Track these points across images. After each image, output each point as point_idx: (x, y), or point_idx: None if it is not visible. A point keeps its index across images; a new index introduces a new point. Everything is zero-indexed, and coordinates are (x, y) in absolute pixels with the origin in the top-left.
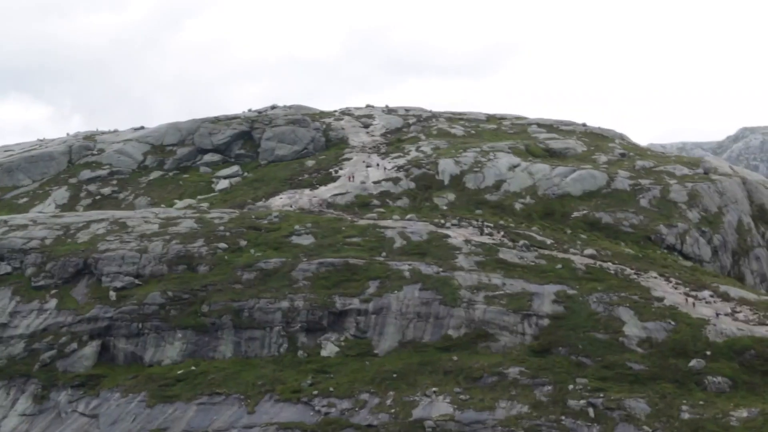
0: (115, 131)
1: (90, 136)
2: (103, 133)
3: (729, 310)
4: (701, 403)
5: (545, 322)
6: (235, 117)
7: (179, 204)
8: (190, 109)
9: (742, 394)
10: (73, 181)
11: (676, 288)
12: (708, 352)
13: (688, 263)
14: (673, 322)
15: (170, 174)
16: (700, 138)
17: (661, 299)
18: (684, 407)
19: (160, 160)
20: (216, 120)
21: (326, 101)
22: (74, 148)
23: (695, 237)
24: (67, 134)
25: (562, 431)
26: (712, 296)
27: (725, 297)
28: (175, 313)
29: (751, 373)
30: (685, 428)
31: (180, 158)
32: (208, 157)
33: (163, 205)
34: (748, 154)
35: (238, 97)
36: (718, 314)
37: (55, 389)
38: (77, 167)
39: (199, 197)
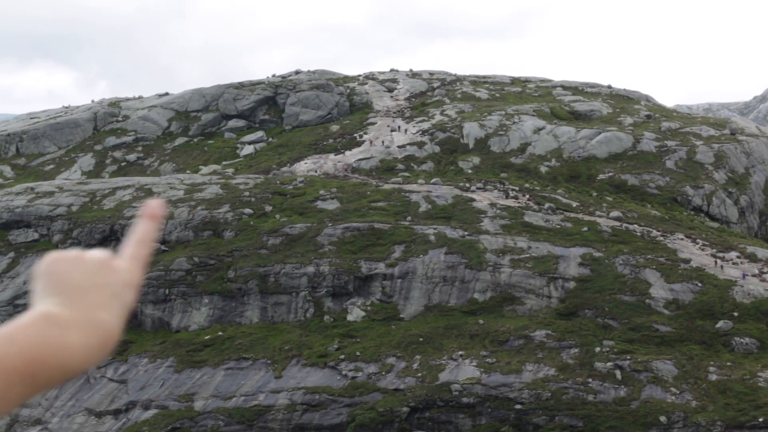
0: (140, 98)
1: (115, 103)
2: (127, 99)
3: (756, 271)
4: (728, 364)
5: (571, 284)
6: (259, 83)
7: (204, 170)
8: (215, 76)
9: None
10: (98, 147)
11: (702, 249)
12: (735, 314)
13: (715, 224)
14: (699, 284)
15: (195, 140)
16: (727, 99)
17: (687, 261)
18: (711, 368)
19: (185, 126)
20: (240, 86)
21: (351, 67)
22: (99, 114)
23: (722, 198)
24: (92, 101)
25: (589, 393)
26: (739, 257)
27: (752, 258)
28: (202, 278)
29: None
30: (712, 389)
31: (204, 124)
32: (233, 123)
33: (188, 171)
34: None
35: (263, 64)
36: (745, 275)
37: None
38: (102, 134)
39: (224, 163)
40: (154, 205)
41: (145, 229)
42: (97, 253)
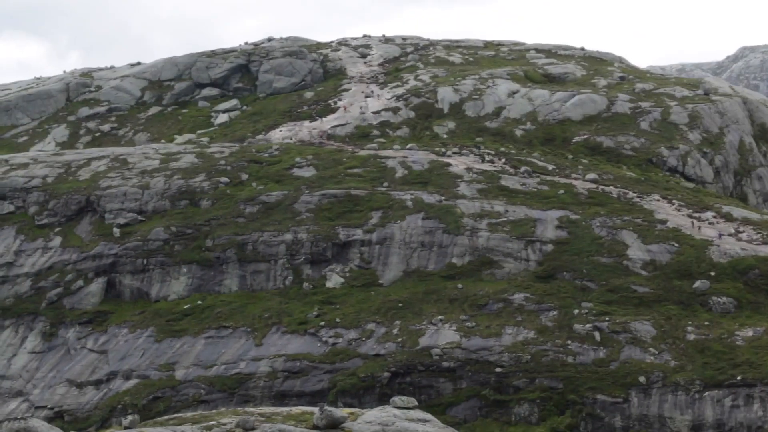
0: (112, 68)
1: (87, 73)
2: (100, 69)
3: (732, 231)
4: (706, 323)
5: (549, 247)
6: (231, 50)
7: (179, 139)
8: (188, 45)
9: (746, 313)
10: (71, 118)
11: (679, 210)
12: (712, 273)
13: (691, 185)
14: (676, 244)
15: (169, 109)
16: (700, 59)
17: (664, 222)
18: (689, 328)
19: (158, 96)
20: (213, 54)
21: (324, 34)
22: (72, 85)
23: (697, 158)
24: (64, 72)
25: (568, 355)
26: (715, 217)
27: (728, 217)
28: (180, 248)
29: (755, 293)
30: (690, 349)
31: (178, 93)
32: (206, 92)
33: (163, 141)
34: (749, 73)
35: (236, 32)
36: (721, 235)
37: (63, 326)
38: (75, 105)
39: (198, 132)
40: None
41: None
42: None
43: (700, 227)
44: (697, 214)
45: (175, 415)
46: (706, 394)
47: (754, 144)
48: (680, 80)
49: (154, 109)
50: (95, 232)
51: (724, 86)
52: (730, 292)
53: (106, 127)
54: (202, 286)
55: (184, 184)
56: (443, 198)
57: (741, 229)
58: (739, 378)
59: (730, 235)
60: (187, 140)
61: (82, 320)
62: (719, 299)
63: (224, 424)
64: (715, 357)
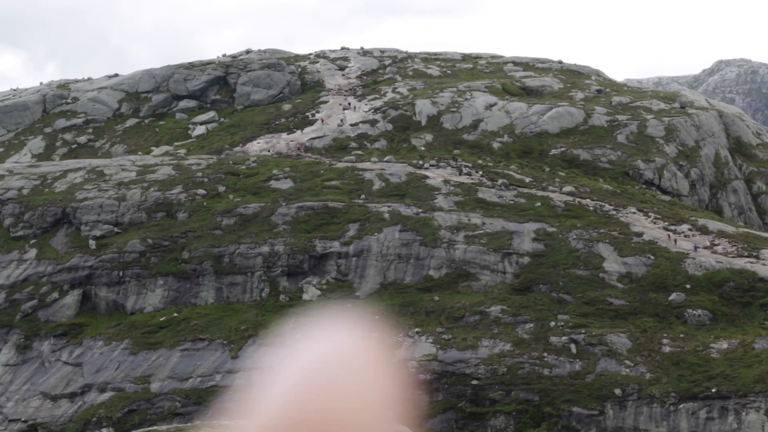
0: (89, 79)
1: (64, 85)
2: (77, 81)
3: (708, 243)
4: (682, 336)
5: (525, 260)
6: (209, 62)
7: (156, 151)
8: (166, 56)
9: (722, 326)
10: (48, 130)
11: (655, 223)
12: (688, 286)
13: (667, 198)
14: (652, 257)
15: (146, 121)
16: (677, 72)
17: (640, 234)
18: (665, 341)
19: (136, 108)
20: (190, 66)
21: (303, 46)
22: (48, 97)
23: (673, 171)
24: (41, 83)
25: (544, 368)
26: (690, 230)
27: (704, 230)
28: (156, 260)
29: (730, 305)
30: (666, 361)
31: (155, 105)
32: (184, 104)
33: (139, 153)
34: (724, 87)
35: (215, 44)
36: (696, 248)
37: (37, 339)
38: (52, 116)
39: (175, 144)
40: None
41: None
42: None
43: (676, 240)
44: (672, 227)
45: (151, 428)
46: (681, 406)
47: (729, 157)
48: (657, 93)
49: (131, 121)
50: (71, 244)
51: (700, 99)
52: (705, 304)
53: (82, 139)
54: (178, 299)
55: (160, 196)
56: (420, 210)
57: (716, 241)
58: (713, 390)
59: (705, 247)
60: (164, 152)
61: (57, 332)
62: (694, 312)
63: None
64: (690, 369)
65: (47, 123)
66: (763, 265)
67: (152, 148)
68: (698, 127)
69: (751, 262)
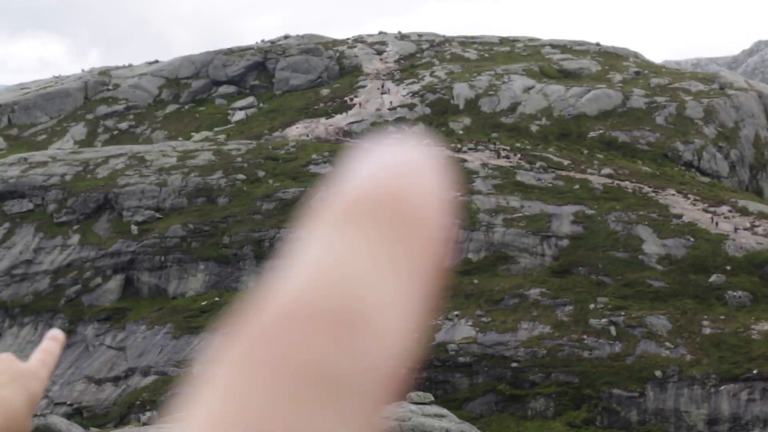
0: (130, 66)
1: (105, 72)
2: (117, 68)
3: (748, 225)
4: (722, 317)
5: (564, 242)
6: (248, 48)
7: (196, 137)
8: (206, 42)
9: (762, 307)
10: (90, 117)
11: (694, 204)
12: (728, 267)
13: (706, 179)
14: (692, 239)
15: (186, 107)
16: (715, 53)
17: (679, 216)
18: (705, 322)
19: (176, 94)
20: (230, 51)
21: (340, 29)
22: (90, 84)
23: (712, 153)
24: (82, 70)
25: (584, 350)
26: (730, 211)
27: (744, 212)
28: (197, 245)
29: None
30: (706, 343)
31: (195, 91)
32: (223, 89)
33: (180, 138)
34: (764, 67)
35: (254, 29)
36: (737, 229)
37: (81, 323)
38: (93, 103)
39: (215, 129)
40: (56, 334)
41: (49, 346)
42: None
43: (717, 222)
44: (712, 209)
45: None
46: (722, 387)
47: None
48: (695, 75)
49: (171, 107)
50: (113, 230)
51: (739, 80)
52: (745, 286)
53: (123, 125)
54: (219, 283)
55: (201, 181)
56: (459, 194)
57: (757, 223)
58: (755, 371)
59: (745, 229)
60: (204, 138)
61: (100, 317)
62: (735, 293)
63: None
64: (730, 351)
65: (89, 110)
66: None
67: (192, 133)
68: (737, 108)
69: None
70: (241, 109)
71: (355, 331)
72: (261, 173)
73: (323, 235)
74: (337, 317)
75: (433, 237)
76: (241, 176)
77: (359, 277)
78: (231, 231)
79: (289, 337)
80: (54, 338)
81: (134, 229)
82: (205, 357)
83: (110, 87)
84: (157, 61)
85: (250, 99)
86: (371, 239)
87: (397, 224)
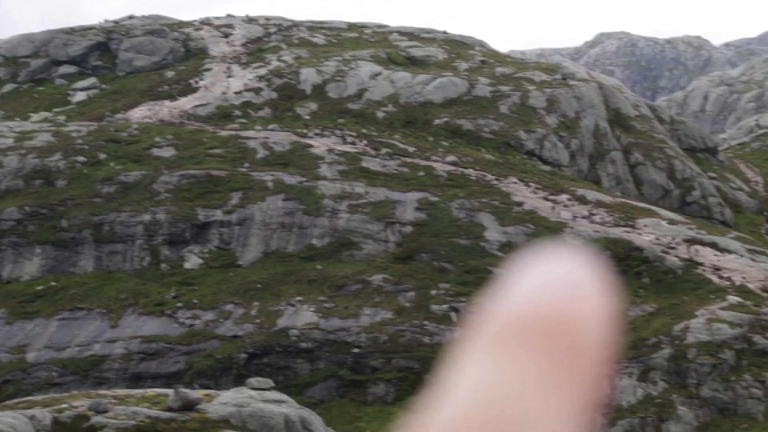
0: None
1: None
2: None
3: (586, 213)
4: None
5: (408, 229)
6: (90, 28)
7: (35, 117)
8: (51, 21)
9: None
10: None
11: (535, 192)
12: None
13: (547, 168)
14: (532, 226)
15: (24, 86)
16: (559, 44)
17: (520, 204)
18: None
19: (13, 73)
20: (71, 31)
21: (188, 13)
22: None
23: (554, 142)
24: None
25: (425, 335)
26: (570, 199)
27: (582, 200)
28: (33, 228)
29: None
30: None
31: (34, 70)
32: (64, 69)
33: (17, 119)
34: (605, 59)
35: (102, 10)
36: (575, 217)
37: None
38: None
39: (55, 110)
40: None
41: None
42: None
43: (559, 210)
44: (553, 197)
45: (26, 399)
46: None
47: (608, 128)
48: (539, 65)
49: (8, 87)
50: None
51: (581, 71)
52: None
53: None
54: (56, 267)
55: (39, 163)
56: (304, 179)
57: (594, 211)
58: None
59: (584, 217)
60: (43, 118)
61: None
62: None
63: (76, 407)
64: None
65: None
66: (639, 234)
67: (30, 114)
68: (579, 99)
69: (627, 232)
70: (82, 89)
71: None
72: (102, 156)
73: (487, 354)
74: None
75: (597, 363)
76: (81, 158)
77: (525, 411)
78: (69, 214)
79: None
80: None
81: None
82: None
83: None
84: None
85: (92, 80)
86: (539, 364)
87: (564, 349)
